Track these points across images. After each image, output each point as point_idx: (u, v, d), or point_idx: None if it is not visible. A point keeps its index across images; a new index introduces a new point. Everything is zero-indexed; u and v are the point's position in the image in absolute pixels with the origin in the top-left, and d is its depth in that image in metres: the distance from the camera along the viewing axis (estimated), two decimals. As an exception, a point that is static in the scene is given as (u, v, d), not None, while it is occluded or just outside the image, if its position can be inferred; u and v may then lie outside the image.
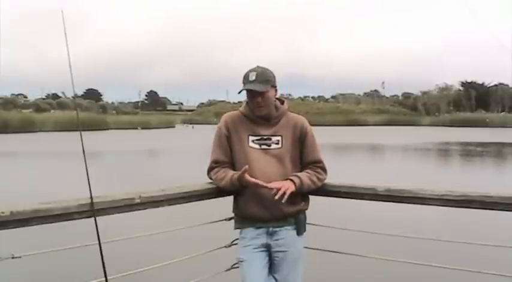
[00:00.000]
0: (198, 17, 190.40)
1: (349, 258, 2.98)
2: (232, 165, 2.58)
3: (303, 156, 2.60)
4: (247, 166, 2.42)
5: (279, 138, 2.56)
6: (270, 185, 2.41)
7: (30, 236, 2.96)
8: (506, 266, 2.64)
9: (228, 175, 2.52)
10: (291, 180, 2.48)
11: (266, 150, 2.54)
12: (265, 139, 2.55)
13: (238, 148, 2.56)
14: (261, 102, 2.51)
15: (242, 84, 2.51)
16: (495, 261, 3.02)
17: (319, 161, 2.62)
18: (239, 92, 2.52)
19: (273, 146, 2.55)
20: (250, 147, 2.54)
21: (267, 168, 2.48)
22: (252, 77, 2.47)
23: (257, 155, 2.52)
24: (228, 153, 2.58)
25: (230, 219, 2.69)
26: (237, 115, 2.63)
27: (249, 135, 2.56)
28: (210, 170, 2.62)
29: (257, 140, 2.55)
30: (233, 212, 2.65)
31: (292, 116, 2.65)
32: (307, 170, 2.57)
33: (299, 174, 2.53)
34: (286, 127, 2.58)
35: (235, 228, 2.62)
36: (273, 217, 2.49)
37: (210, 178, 2.64)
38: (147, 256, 4.32)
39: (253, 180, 2.42)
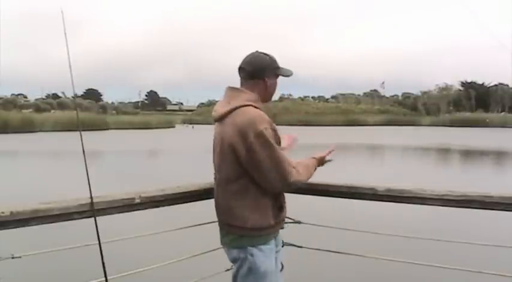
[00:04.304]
0: (197, 17, 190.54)
1: (348, 258, 2.98)
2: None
3: None
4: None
5: None
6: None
7: (30, 236, 2.96)
8: (506, 266, 2.64)
9: (308, 166, 2.37)
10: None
11: None
12: None
13: None
14: None
15: (276, 69, 2.35)
16: (495, 261, 3.02)
17: None
18: (288, 75, 2.38)
19: None
20: None
21: None
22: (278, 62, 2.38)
23: None
24: None
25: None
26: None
27: None
28: (289, 174, 2.21)
29: None
30: (261, 225, 2.26)
31: None
32: None
33: None
34: None
35: (264, 241, 2.27)
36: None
37: (291, 183, 2.23)
38: (147, 256, 4.32)
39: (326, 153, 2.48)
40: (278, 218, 2.32)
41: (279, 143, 2.25)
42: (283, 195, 2.37)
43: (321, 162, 2.49)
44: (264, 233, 2.27)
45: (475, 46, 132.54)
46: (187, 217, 2.84)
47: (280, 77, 2.38)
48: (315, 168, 2.44)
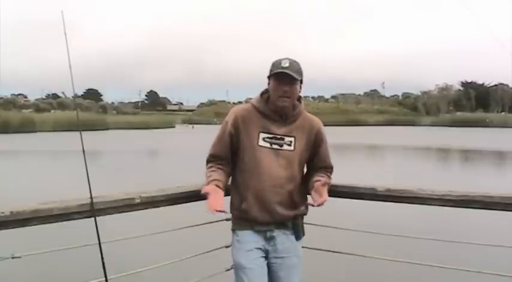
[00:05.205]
0: (198, 18, 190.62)
1: (348, 258, 2.98)
2: (235, 162, 2.46)
3: (317, 160, 2.49)
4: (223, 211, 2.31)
5: (292, 139, 2.40)
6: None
7: (30, 236, 2.96)
8: (506, 266, 2.64)
9: (209, 178, 2.41)
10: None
11: (277, 150, 2.38)
12: (278, 138, 2.39)
13: (248, 146, 2.39)
14: (288, 92, 2.34)
15: (270, 72, 2.37)
16: (495, 261, 3.02)
17: (332, 167, 2.55)
18: (269, 76, 2.37)
19: (285, 147, 2.39)
20: (260, 145, 2.38)
21: (276, 170, 2.36)
22: (286, 63, 2.33)
23: (267, 154, 2.37)
24: (227, 151, 2.44)
25: (230, 219, 2.68)
26: (249, 109, 2.45)
27: (260, 132, 2.39)
28: (207, 162, 2.51)
29: (268, 138, 2.38)
30: (231, 212, 2.49)
31: (308, 117, 2.50)
32: (322, 173, 2.49)
33: (326, 178, 2.45)
34: (301, 129, 2.44)
35: (233, 229, 2.46)
36: (274, 221, 2.39)
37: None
38: (147, 256, 4.32)
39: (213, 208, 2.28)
40: (242, 214, 2.42)
41: (223, 130, 2.46)
42: (257, 199, 2.35)
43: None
44: (234, 220, 2.49)
45: (475, 46, 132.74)
46: (187, 217, 2.84)
47: (304, 81, 2.42)
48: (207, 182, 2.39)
